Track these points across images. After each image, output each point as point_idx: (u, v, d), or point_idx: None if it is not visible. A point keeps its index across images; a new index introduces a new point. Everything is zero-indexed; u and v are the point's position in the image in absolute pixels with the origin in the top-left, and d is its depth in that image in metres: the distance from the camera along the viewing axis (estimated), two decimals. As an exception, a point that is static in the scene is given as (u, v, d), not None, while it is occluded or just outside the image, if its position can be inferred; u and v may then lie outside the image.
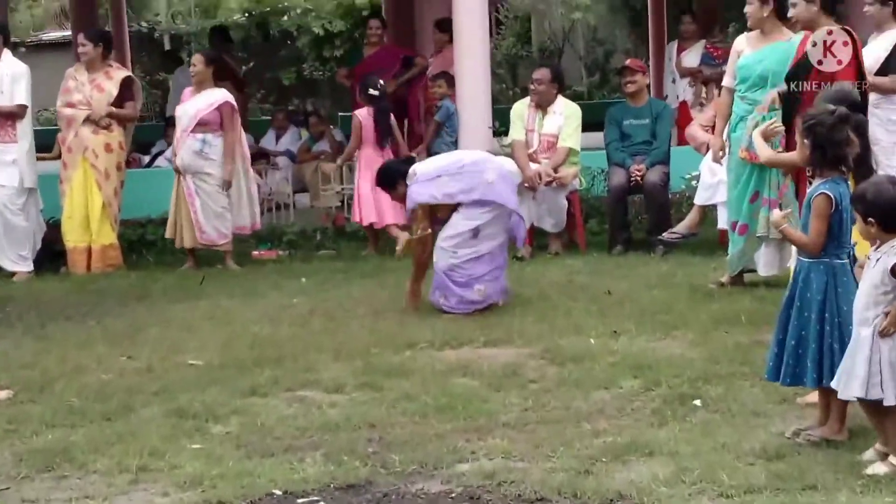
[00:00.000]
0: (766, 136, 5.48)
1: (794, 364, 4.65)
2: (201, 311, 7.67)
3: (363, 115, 9.86)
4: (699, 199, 8.81)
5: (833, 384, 4.37)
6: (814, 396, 4.83)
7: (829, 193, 4.51)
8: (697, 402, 5.20)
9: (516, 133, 9.37)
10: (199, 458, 4.69)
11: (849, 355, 4.29)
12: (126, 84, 9.70)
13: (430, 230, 7.29)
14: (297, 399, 5.57)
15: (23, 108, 9.31)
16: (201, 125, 9.33)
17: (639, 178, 9.18)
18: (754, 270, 7.62)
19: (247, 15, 28.05)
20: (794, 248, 7.29)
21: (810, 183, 4.93)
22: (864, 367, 4.19)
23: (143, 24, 28.06)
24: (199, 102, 9.42)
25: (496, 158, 7.63)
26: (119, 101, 9.63)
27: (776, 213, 4.80)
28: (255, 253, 9.99)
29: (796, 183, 6.73)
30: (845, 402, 4.52)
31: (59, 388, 5.86)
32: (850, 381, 4.25)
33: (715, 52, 11.91)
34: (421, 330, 6.77)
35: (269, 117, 15.56)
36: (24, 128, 9.40)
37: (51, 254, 9.73)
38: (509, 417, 5.13)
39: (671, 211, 9.53)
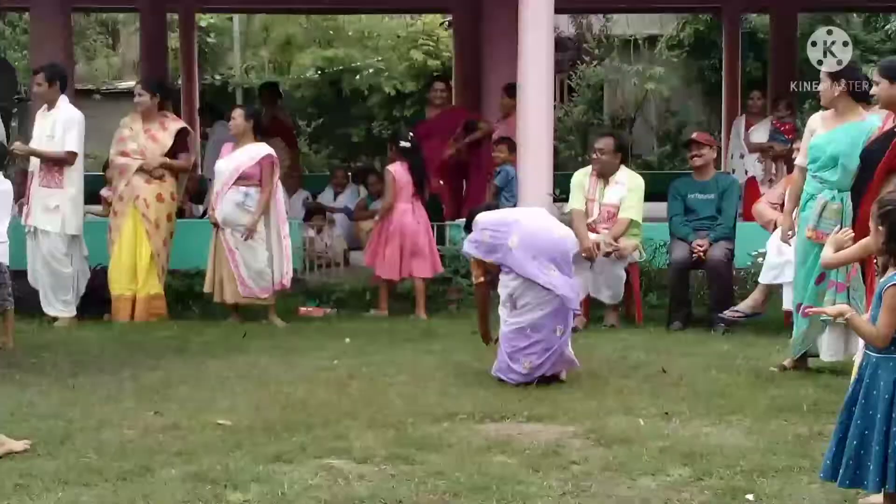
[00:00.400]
0: (838, 246, 5.07)
1: (855, 466, 4.29)
2: (238, 368, 7.44)
3: (396, 168, 9.77)
4: (764, 278, 8.45)
5: None
6: (877, 498, 4.43)
7: None
8: (750, 497, 4.82)
9: (576, 202, 9.10)
10: (211, 530, 4.42)
11: None
12: (181, 135, 9.59)
13: (482, 279, 7.20)
14: (324, 468, 5.26)
15: (72, 155, 9.22)
16: (243, 179, 9.18)
17: (702, 254, 8.83)
18: (818, 355, 7.23)
19: (319, 72, 28.37)
20: (860, 340, 7.01)
21: (877, 268, 4.59)
22: None
23: (217, 77, 28.48)
24: (241, 156, 9.28)
25: (543, 220, 7.28)
26: (173, 152, 9.52)
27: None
28: (303, 309, 9.78)
29: (863, 267, 6.41)
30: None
31: (79, 443, 5.63)
32: None
33: (782, 128, 11.61)
34: (462, 400, 6.47)
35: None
36: (72, 175, 9.31)
37: (96, 301, 9.58)
38: (546, 502, 4.79)
39: (735, 288, 9.15)
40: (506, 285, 6.90)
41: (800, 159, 7.21)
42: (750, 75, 22.44)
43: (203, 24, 28.36)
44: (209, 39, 29.06)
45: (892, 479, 4.15)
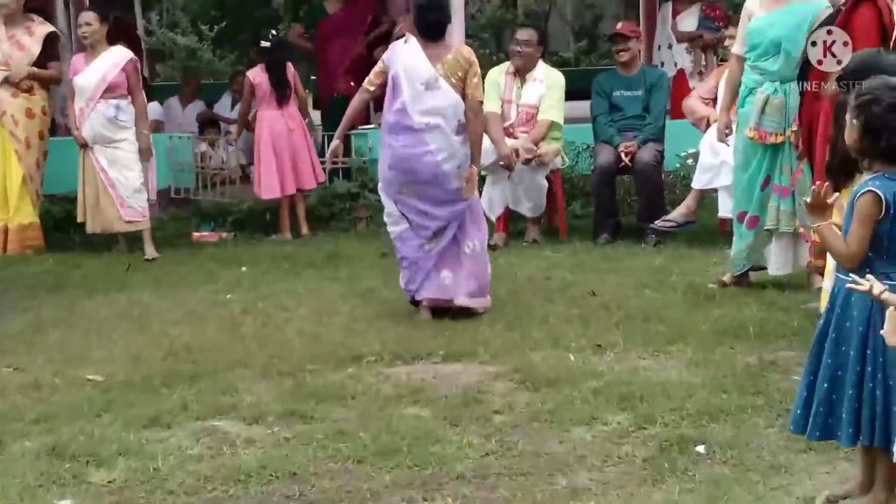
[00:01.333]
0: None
1: (827, 413, 3.60)
2: (118, 307, 6.66)
3: (254, 73, 9.02)
4: (698, 183, 7.78)
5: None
6: None
7: (879, 192, 3.45)
8: (701, 449, 4.18)
9: (491, 104, 8.26)
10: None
11: None
12: (50, 41, 8.57)
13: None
14: (208, 432, 4.54)
15: None
16: (110, 90, 8.20)
17: (629, 158, 8.15)
18: (763, 268, 6.62)
19: None
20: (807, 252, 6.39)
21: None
22: None
23: None
24: (103, 65, 8.26)
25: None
26: (42, 61, 8.51)
27: (815, 190, 3.66)
28: (196, 234, 8.99)
29: (812, 166, 5.79)
30: (896, 467, 3.50)
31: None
32: None
33: (713, 14, 10.88)
34: (370, 338, 5.77)
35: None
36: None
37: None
38: (466, 466, 4.10)
39: (665, 194, 8.49)
40: None
41: (736, 47, 6.53)
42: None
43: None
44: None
45: (866, 431, 3.50)
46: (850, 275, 3.43)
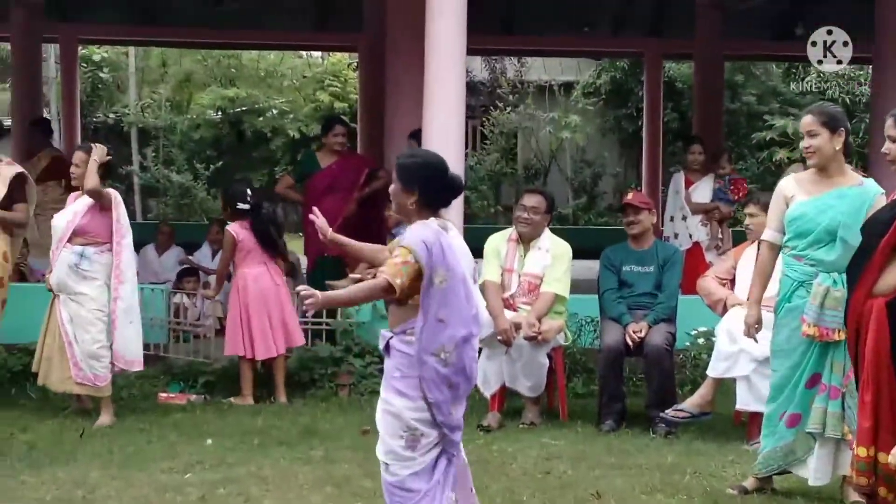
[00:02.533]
0: None
1: None
2: (60, 486, 5.91)
3: (235, 228, 8.47)
4: (714, 371, 7.12)
5: None
6: None
7: None
8: None
9: (490, 273, 7.68)
10: None
11: None
12: (18, 183, 7.97)
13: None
14: None
15: None
16: (78, 234, 7.61)
17: (638, 339, 7.54)
18: (787, 472, 5.92)
19: (220, 112, 27.55)
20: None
21: None
22: None
23: (111, 115, 27.20)
24: (78, 206, 7.72)
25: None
26: (8, 203, 7.91)
27: None
28: (163, 395, 8.30)
29: (856, 371, 5.18)
30: None
31: None
32: None
33: (732, 186, 10.53)
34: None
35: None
36: None
37: None
38: None
39: (675, 379, 7.84)
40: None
41: (770, 234, 5.90)
42: (667, 126, 21.71)
43: (97, 58, 27.11)
44: (102, 75, 27.80)
45: None
46: None
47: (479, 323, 4.62)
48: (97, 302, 7.57)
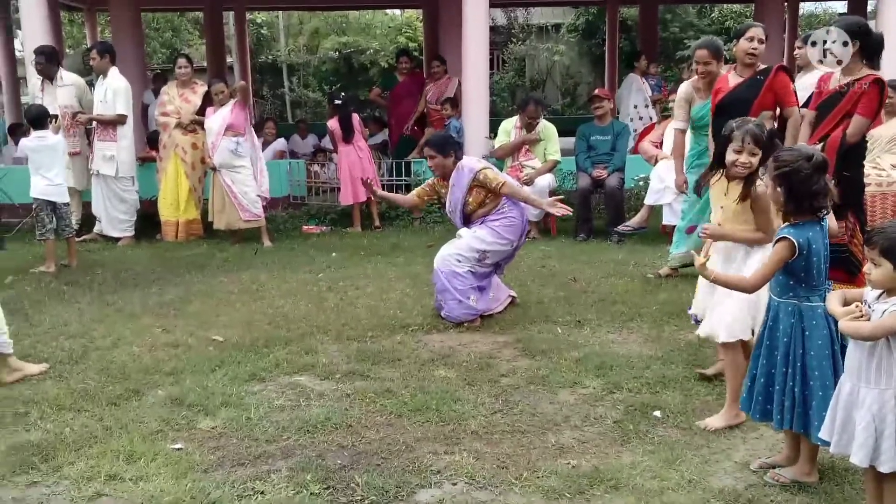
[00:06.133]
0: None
1: (764, 401, 2.88)
2: (243, 283, 5.96)
3: (332, 123, 8.21)
4: (649, 200, 6.97)
5: (822, 435, 2.59)
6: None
7: (792, 239, 2.68)
8: (658, 414, 3.44)
9: (501, 141, 7.54)
10: (169, 468, 3.01)
11: (841, 409, 2.49)
12: (207, 96, 7.85)
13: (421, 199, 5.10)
14: (291, 386, 3.86)
15: (122, 117, 7.56)
16: (230, 129, 7.41)
17: (601, 181, 7.35)
18: (691, 265, 5.78)
19: (337, 52, 26.91)
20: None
21: None
22: (873, 436, 2.38)
23: (269, 57, 26.73)
24: (224, 112, 7.47)
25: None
26: (202, 110, 7.81)
27: (698, 261, 2.95)
28: (305, 227, 8.25)
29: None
30: (817, 445, 2.73)
31: (91, 363, 4.20)
32: (849, 445, 2.45)
33: (663, 87, 10.08)
34: (414, 312, 5.03)
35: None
36: (124, 130, 7.64)
37: (150, 225, 8.00)
38: (478, 423, 3.40)
39: (625, 206, 7.66)
40: (489, 243, 4.77)
41: (679, 124, 5.57)
42: (622, 50, 20.88)
43: (259, 20, 26.51)
44: (262, 31, 27.18)
45: (788, 419, 2.76)
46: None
47: None
48: (249, 169, 7.48)
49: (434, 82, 9.68)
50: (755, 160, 3.13)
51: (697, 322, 3.56)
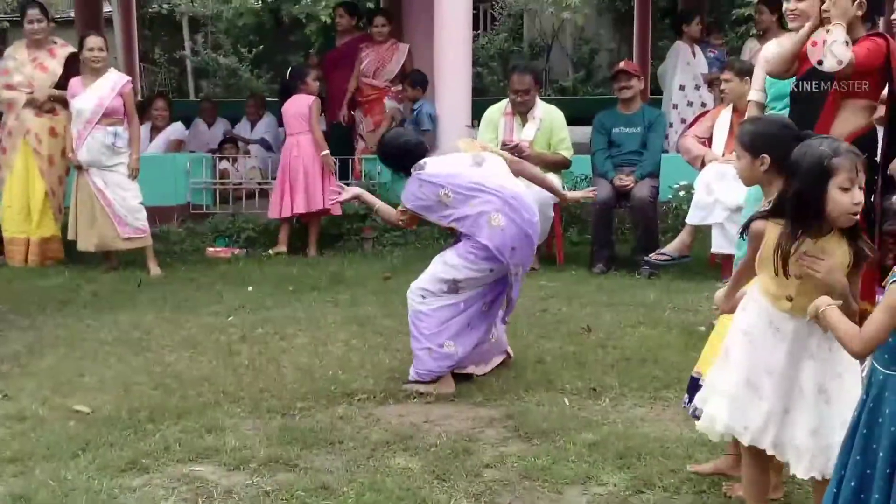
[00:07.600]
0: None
1: (854, 511, 2.85)
2: (120, 327, 5.95)
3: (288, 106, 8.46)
4: (692, 219, 7.05)
5: None
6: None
7: None
8: (704, 526, 3.44)
9: (486, 136, 7.60)
10: None
11: None
12: (72, 61, 7.84)
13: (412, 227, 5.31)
14: (186, 479, 3.81)
15: None
16: (107, 115, 7.43)
17: (626, 190, 7.46)
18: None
19: (260, 1, 26.88)
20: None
21: None
22: None
23: (164, 5, 26.75)
24: (100, 89, 7.48)
25: (527, 195, 4.89)
26: (64, 82, 7.80)
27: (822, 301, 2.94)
28: (210, 250, 8.31)
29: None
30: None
31: None
32: None
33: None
34: (364, 372, 5.04)
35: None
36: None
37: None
38: (451, 537, 3.37)
39: (659, 227, 7.76)
40: (458, 269, 4.76)
41: (756, 94, 5.60)
42: (656, 5, 21.18)
43: (150, -48, 26.65)
44: (155, -32, 27.33)
45: None
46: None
47: None
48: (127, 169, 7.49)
49: (373, 47, 9.71)
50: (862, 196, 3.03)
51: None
